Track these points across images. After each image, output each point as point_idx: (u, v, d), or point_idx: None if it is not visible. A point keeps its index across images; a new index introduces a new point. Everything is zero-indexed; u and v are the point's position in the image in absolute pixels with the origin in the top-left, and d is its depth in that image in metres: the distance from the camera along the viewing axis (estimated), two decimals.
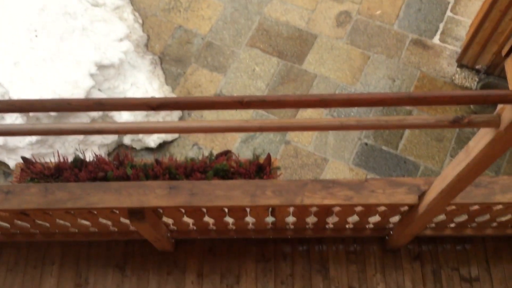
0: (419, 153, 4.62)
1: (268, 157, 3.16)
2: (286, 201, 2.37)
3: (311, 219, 2.80)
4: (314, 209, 2.59)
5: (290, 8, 5.25)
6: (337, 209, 2.60)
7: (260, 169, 3.12)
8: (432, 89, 4.96)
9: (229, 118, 4.74)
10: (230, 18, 5.24)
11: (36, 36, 4.53)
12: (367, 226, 2.92)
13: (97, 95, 4.58)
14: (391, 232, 2.91)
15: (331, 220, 2.82)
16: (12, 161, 4.30)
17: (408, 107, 4.79)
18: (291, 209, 2.59)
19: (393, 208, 2.51)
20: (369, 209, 2.54)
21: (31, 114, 4.13)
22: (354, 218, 2.77)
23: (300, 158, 4.61)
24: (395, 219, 2.77)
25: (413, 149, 4.64)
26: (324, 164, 4.56)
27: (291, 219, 2.77)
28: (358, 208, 2.55)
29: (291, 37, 5.14)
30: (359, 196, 2.36)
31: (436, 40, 5.13)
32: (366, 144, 4.64)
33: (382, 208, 2.54)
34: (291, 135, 4.69)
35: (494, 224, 2.86)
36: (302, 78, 5.00)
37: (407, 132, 4.71)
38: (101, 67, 4.60)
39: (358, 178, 4.31)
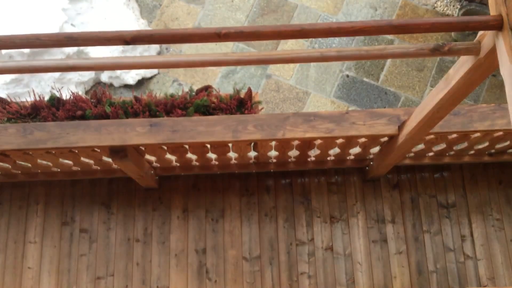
0: (400, 84, 4.63)
1: (249, 91, 3.13)
2: (268, 135, 2.37)
3: (293, 153, 2.82)
4: (296, 142, 2.61)
5: None
6: (318, 142, 2.62)
7: (241, 103, 3.09)
8: (414, 18, 4.88)
9: (209, 53, 4.63)
10: None
11: None
12: (348, 158, 2.97)
13: (70, 30, 4.41)
14: (371, 163, 2.97)
15: (313, 153, 2.85)
16: None
17: (389, 37, 4.73)
18: (273, 143, 2.60)
19: (373, 139, 2.54)
20: (350, 141, 2.57)
21: (3, 52, 3.97)
22: (335, 150, 2.81)
23: (281, 92, 4.58)
24: (375, 149, 2.82)
25: (394, 80, 4.64)
26: (306, 97, 4.55)
27: (273, 153, 2.80)
28: (339, 141, 2.58)
29: None
30: (340, 129, 2.37)
31: None
32: (347, 76, 4.62)
33: (363, 140, 2.57)
34: (272, 69, 4.63)
35: (472, 152, 2.93)
36: (283, 9, 4.86)
37: (388, 63, 4.68)
38: (73, 0, 4.39)
39: (339, 110, 4.32)
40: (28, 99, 3.13)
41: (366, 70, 4.64)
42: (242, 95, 3.15)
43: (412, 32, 1.40)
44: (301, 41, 4.70)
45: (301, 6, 4.85)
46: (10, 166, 2.71)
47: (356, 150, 2.81)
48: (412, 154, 2.95)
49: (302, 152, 2.77)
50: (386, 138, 2.52)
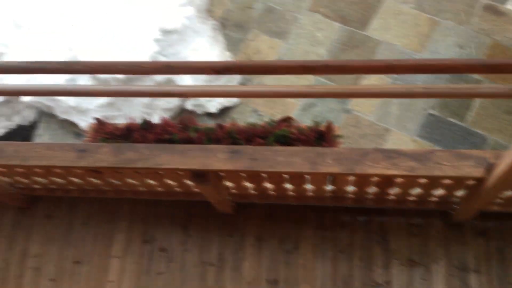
0: (487, 126, 4.41)
1: (329, 124, 3.14)
2: (346, 169, 2.35)
3: (372, 189, 2.77)
4: (375, 179, 2.56)
5: None
6: (399, 180, 2.56)
7: (321, 136, 3.10)
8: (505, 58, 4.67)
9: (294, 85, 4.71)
10: None
11: (104, 1, 4.67)
12: (430, 199, 2.86)
13: (161, 60, 4.69)
14: (456, 206, 2.84)
15: (393, 191, 2.78)
16: (83, 122, 4.54)
17: (477, 77, 4.55)
18: (352, 178, 2.57)
19: (458, 182, 2.44)
20: (434, 182, 2.48)
21: (101, 77, 4.31)
22: (417, 190, 2.72)
23: (361, 128, 4.53)
24: (460, 192, 2.69)
25: (482, 121, 4.43)
26: (386, 134, 4.47)
27: (351, 188, 2.76)
28: (422, 180, 2.49)
29: (354, 1, 4.98)
30: (423, 168, 2.30)
31: (509, 5, 4.80)
32: (431, 115, 4.48)
33: (447, 181, 2.47)
34: (352, 104, 4.61)
35: None
36: (365, 45, 4.86)
37: (475, 103, 4.49)
38: (165, 32, 4.69)
39: (423, 149, 4.18)
40: (121, 122, 3.36)
41: (451, 110, 4.48)
42: (322, 127, 3.16)
43: (504, 72, 1.36)
44: (383, 77, 4.65)
45: (385, 42, 4.82)
46: (101, 183, 2.91)
47: (439, 191, 2.70)
48: (501, 200, 2.78)
49: (382, 189, 2.71)
50: (472, 181, 2.40)
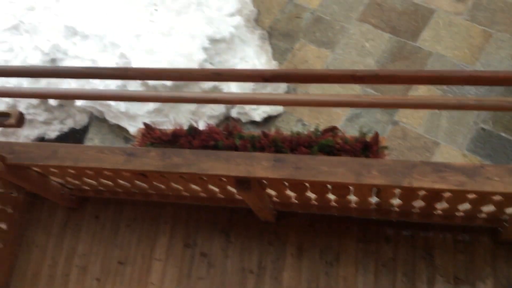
0: None
1: (376, 135, 3.08)
2: (392, 182, 2.30)
3: (418, 203, 2.70)
4: (422, 192, 2.50)
5: None
6: (447, 194, 2.48)
7: (367, 147, 3.05)
8: None
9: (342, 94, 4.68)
10: None
11: (156, 10, 4.81)
12: (479, 215, 2.75)
13: (209, 68, 4.77)
14: (506, 224, 2.72)
15: (440, 206, 2.69)
16: (132, 128, 4.67)
17: None
18: (398, 191, 2.52)
19: (509, 198, 2.34)
20: (483, 198, 2.39)
21: (150, 84, 4.42)
22: (465, 206, 2.62)
23: (408, 140, 4.43)
24: (511, 210, 2.58)
25: None
26: (435, 148, 4.34)
27: (396, 201, 2.70)
28: (471, 196, 2.41)
29: (405, 12, 4.89)
30: (472, 183, 2.22)
31: None
32: (483, 129, 4.32)
33: (498, 197, 2.37)
34: (399, 115, 4.52)
35: None
36: (416, 56, 4.76)
37: None
38: (213, 41, 4.77)
39: (473, 163, 4.04)
40: (168, 127, 3.44)
41: (504, 125, 4.30)
42: (368, 138, 3.12)
43: None
44: (433, 89, 4.54)
45: (436, 54, 4.71)
46: (147, 186, 2.98)
47: (489, 208, 2.60)
48: None
49: (428, 203, 2.63)
50: None
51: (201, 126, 3.40)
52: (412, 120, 4.46)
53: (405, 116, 4.50)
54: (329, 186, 2.56)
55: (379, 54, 4.83)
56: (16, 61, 4.87)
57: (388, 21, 4.90)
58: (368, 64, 4.84)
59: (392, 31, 4.87)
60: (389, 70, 1.44)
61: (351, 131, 4.44)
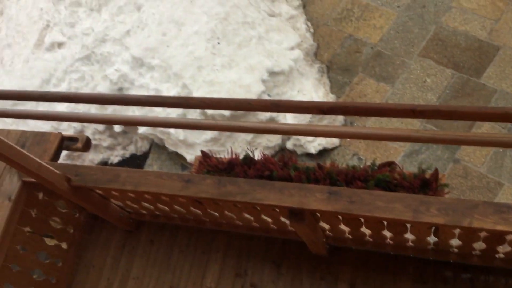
0: None
1: (435, 172, 2.99)
2: (452, 221, 2.21)
3: (478, 245, 2.57)
4: (483, 234, 2.38)
5: (471, 18, 4.89)
6: (510, 237, 2.35)
7: (425, 184, 2.96)
8: None
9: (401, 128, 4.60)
10: (403, 27, 5.09)
11: (218, 43, 4.98)
12: None
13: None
14: None
15: (503, 249, 2.55)
16: (189, 155, 4.80)
17: None
18: (457, 231, 2.41)
19: None
20: None
21: (208, 113, 4.56)
22: None
23: (469, 180, 4.26)
24: None
25: None
26: (498, 188, 4.14)
27: (455, 241, 2.58)
28: None
29: (469, 48, 4.78)
30: None
31: None
32: None
33: None
34: (461, 153, 4.36)
35: None
36: (479, 93, 4.61)
37: None
38: (272, 73, 4.86)
39: None
40: (225, 156, 3.52)
41: None
42: (427, 175, 3.03)
43: None
44: (497, 127, 4.36)
45: (501, 91, 4.54)
46: (201, 213, 3.03)
47: None
48: None
49: (490, 246, 2.50)
50: None
51: (257, 156, 3.44)
52: (475, 159, 4.29)
53: (467, 154, 4.33)
54: (385, 222, 2.50)
55: (440, 90, 4.72)
56: (86, 89, 5.19)
57: (450, 57, 4.80)
58: (429, 100, 4.74)
59: (455, 67, 4.76)
60: (451, 105, 1.41)
61: (409, 168, 4.32)
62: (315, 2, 5.60)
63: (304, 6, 5.63)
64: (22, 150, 2.43)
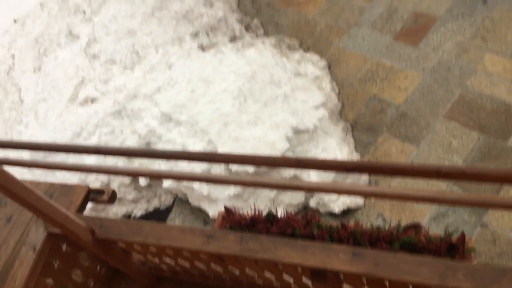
0: None
1: (462, 236, 2.91)
2: (479, 287, 2.14)
3: None
4: None
5: (497, 81, 4.91)
6: None
7: (452, 248, 2.88)
8: None
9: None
10: (428, 89, 5.13)
11: (244, 101, 5.11)
12: None
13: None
14: None
15: None
16: (212, 211, 4.81)
17: None
18: None
19: None
20: None
21: (232, 170, 4.60)
22: None
23: (499, 246, 4.11)
24: None
25: None
26: None
27: None
28: None
29: (496, 111, 4.76)
30: None
31: None
32: None
33: None
34: (489, 218, 4.24)
35: None
36: (507, 156, 4.54)
37: None
38: (297, 131, 4.92)
39: None
40: (247, 212, 3.51)
41: None
42: (453, 239, 2.95)
43: None
44: None
45: None
46: (222, 270, 2.99)
47: None
48: None
49: None
50: None
51: (280, 213, 3.43)
52: (503, 224, 4.16)
53: (495, 219, 4.21)
54: (410, 286, 2.42)
55: (466, 153, 4.68)
56: (115, 143, 5.33)
57: (476, 119, 4.79)
58: (455, 162, 4.69)
59: (481, 130, 4.73)
60: (477, 167, 1.41)
61: (435, 230, 4.22)
62: (340, 63, 5.74)
63: (329, 67, 5.77)
64: (50, 200, 2.48)
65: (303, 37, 6.21)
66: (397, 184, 4.66)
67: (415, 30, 5.61)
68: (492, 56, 5.07)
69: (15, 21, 7.31)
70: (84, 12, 6.43)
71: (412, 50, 5.47)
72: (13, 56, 6.85)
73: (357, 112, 5.32)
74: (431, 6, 5.73)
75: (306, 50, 6.05)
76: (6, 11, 7.45)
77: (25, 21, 7.12)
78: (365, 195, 1.66)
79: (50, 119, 5.75)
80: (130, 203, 5.40)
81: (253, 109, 5.06)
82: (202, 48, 5.97)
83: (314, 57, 5.86)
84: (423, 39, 5.50)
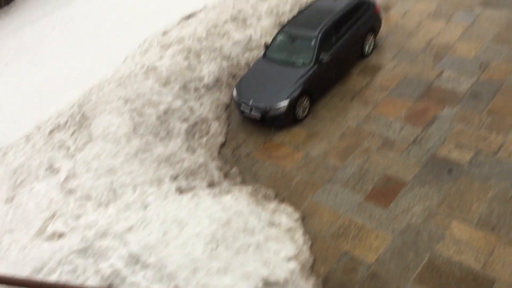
0: None
1: None
2: None
3: None
4: None
5: (464, 249, 5.01)
6: None
7: None
8: None
9: None
10: (398, 251, 5.17)
11: (216, 247, 5.05)
12: None
13: None
14: None
15: None
16: None
17: None
18: None
19: None
20: None
21: None
22: None
23: None
24: None
25: None
26: None
27: None
28: None
29: (464, 279, 4.77)
30: None
31: None
32: None
33: None
34: None
35: None
36: None
37: None
38: (267, 283, 4.80)
39: None
40: None
41: None
42: None
43: None
44: None
45: None
46: None
47: None
48: None
49: None
50: None
51: None
52: None
53: None
54: None
55: None
56: (76, 282, 5.06)
57: (445, 286, 4.76)
58: None
59: None
60: None
61: None
62: (314, 217, 5.83)
63: (303, 219, 5.84)
64: None
65: (279, 188, 6.40)
66: None
67: (386, 192, 5.87)
68: (459, 224, 5.24)
69: None
70: (68, 148, 6.61)
71: (382, 211, 5.65)
72: None
73: (329, 267, 5.26)
74: (400, 171, 6.07)
75: (282, 201, 6.18)
76: None
77: (7, 152, 7.23)
78: None
79: (13, 252, 5.51)
80: None
81: (225, 256, 4.99)
82: (180, 190, 6.06)
83: (289, 208, 5.98)
84: (393, 201, 5.72)
